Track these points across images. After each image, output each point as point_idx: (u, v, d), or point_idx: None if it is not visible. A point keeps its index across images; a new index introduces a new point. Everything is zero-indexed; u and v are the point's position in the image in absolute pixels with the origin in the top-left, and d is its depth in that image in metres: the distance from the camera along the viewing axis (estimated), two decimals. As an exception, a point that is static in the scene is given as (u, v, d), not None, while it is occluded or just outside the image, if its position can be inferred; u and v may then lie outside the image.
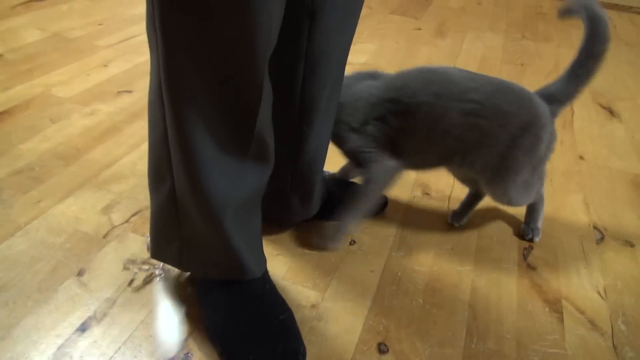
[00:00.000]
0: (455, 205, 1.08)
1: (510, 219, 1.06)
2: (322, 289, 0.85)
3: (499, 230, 1.03)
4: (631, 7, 2.68)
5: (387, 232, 0.99)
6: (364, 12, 2.27)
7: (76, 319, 0.75)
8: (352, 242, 0.96)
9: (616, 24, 2.43)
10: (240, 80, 0.55)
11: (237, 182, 0.63)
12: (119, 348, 0.71)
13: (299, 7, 0.64)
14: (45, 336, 0.72)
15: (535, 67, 1.83)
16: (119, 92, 1.40)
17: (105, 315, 0.75)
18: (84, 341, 0.72)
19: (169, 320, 0.76)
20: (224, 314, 0.73)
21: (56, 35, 1.72)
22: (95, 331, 0.73)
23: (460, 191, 1.13)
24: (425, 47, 1.94)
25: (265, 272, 0.78)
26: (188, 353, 0.72)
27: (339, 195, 0.97)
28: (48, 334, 0.72)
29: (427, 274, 0.90)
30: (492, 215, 1.07)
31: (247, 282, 0.75)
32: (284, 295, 0.78)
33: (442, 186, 1.15)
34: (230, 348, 0.70)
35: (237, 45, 0.51)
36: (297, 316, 0.78)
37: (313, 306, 0.82)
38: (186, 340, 0.73)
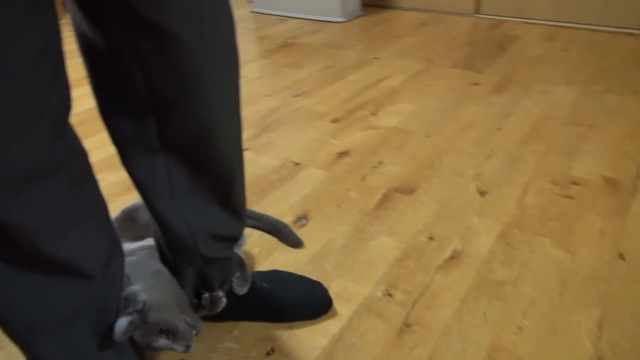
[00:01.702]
0: (421, 314, 0.90)
1: (478, 342, 0.85)
2: (208, 411, 0.75)
3: (458, 355, 0.83)
4: None
5: (316, 342, 0.86)
6: (418, 67, 2.13)
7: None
8: (271, 351, 0.84)
9: None
10: None
11: (36, 305, 0.58)
12: None
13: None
14: None
15: (605, 130, 1.53)
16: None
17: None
18: None
19: None
20: None
21: None
22: None
23: (433, 294, 0.95)
24: (474, 107, 1.73)
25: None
26: None
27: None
28: None
29: (338, 406, 0.75)
30: (461, 332, 0.87)
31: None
32: None
33: (413, 286, 0.97)
34: None
35: None
36: None
37: None
38: None
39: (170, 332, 0.72)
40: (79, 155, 0.57)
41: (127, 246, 0.84)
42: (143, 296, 0.70)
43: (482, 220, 1.15)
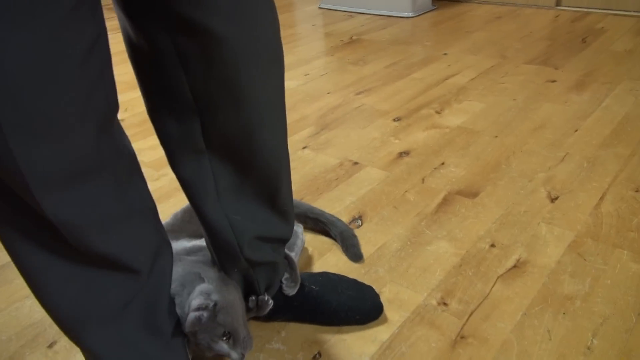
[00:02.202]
0: (477, 326, 0.85)
1: None
2: (251, 410, 0.75)
3: (517, 373, 0.77)
4: None
5: (365, 349, 0.83)
6: (490, 63, 2.02)
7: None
8: (318, 355, 0.83)
9: None
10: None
11: (87, 297, 0.60)
12: None
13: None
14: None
15: (702, 132, 1.37)
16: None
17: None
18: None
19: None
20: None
21: None
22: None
23: (492, 305, 0.89)
24: (549, 105, 1.62)
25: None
26: None
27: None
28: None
29: (383, 418, 0.72)
30: (521, 348, 0.81)
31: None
32: None
33: (470, 296, 0.92)
34: None
35: None
36: None
37: None
38: None
39: (231, 337, 0.73)
40: (126, 154, 0.58)
41: (187, 243, 0.86)
42: (215, 296, 0.72)
43: (552, 228, 1.07)
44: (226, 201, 0.71)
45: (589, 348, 0.80)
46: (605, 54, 2.01)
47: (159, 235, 0.68)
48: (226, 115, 0.62)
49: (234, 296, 0.78)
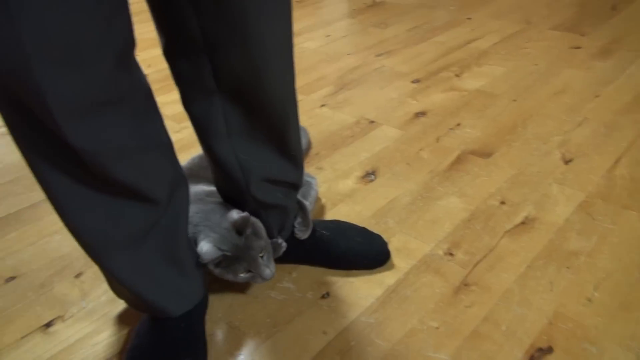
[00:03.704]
0: (481, 275, 0.88)
1: (540, 308, 0.81)
2: (261, 340, 0.80)
3: (517, 319, 0.80)
4: None
5: (371, 291, 0.87)
6: (514, 28, 1.99)
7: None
8: (326, 295, 0.87)
9: None
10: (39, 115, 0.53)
11: (109, 222, 0.64)
12: (61, 349, 0.80)
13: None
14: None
15: None
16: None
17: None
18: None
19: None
20: (138, 344, 0.76)
21: None
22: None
23: (497, 257, 0.92)
24: (571, 71, 1.60)
25: (191, 310, 0.77)
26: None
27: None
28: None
29: (384, 352, 0.76)
30: (523, 297, 0.84)
31: (165, 319, 0.76)
32: (219, 339, 0.77)
33: (477, 248, 0.94)
34: (129, 377, 0.73)
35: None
36: (216, 362, 0.76)
37: (240, 356, 0.78)
38: None
39: (250, 271, 0.78)
40: (143, 89, 0.61)
41: (207, 187, 0.90)
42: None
43: (563, 189, 1.08)
44: (236, 141, 0.74)
45: (589, 299, 0.82)
46: (634, 22, 1.96)
47: (176, 170, 0.72)
48: (234, 57, 0.64)
49: (258, 221, 0.83)
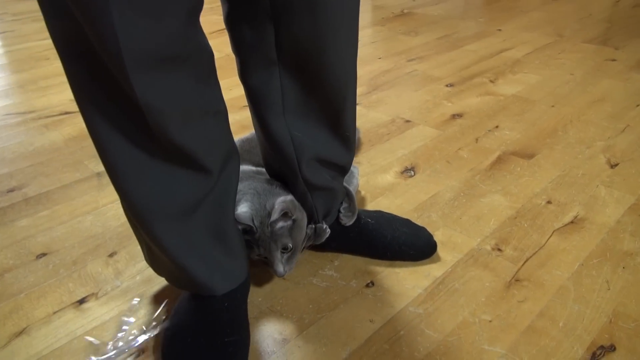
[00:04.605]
0: (533, 271, 0.85)
1: (599, 306, 0.77)
2: (305, 325, 0.76)
3: (574, 316, 0.76)
4: None
5: (418, 282, 0.83)
6: (546, 40, 1.97)
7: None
8: (370, 284, 0.83)
9: None
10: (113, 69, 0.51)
11: (162, 190, 0.62)
12: (95, 326, 0.77)
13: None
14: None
15: None
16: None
17: (104, 294, 0.83)
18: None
19: (147, 314, 0.79)
20: (178, 322, 0.72)
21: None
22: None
23: (548, 255, 0.88)
24: (608, 81, 1.57)
25: (235, 289, 0.74)
26: None
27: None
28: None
29: (436, 343, 0.72)
30: (579, 294, 0.80)
31: (208, 297, 0.72)
32: (261, 322, 0.74)
33: (525, 245, 0.91)
34: (168, 356, 0.69)
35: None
36: (260, 347, 0.72)
37: (284, 340, 0.74)
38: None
39: (288, 253, 0.77)
40: (207, 52, 0.59)
41: (253, 167, 0.88)
42: (296, 212, 0.77)
43: (611, 191, 1.04)
44: (291, 116, 0.72)
45: (649, 301, 0.78)
46: (669, 39, 1.94)
47: (230, 141, 0.69)
48: (301, 23, 0.62)
49: (305, 218, 0.79)
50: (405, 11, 2.48)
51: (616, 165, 1.13)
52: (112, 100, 0.55)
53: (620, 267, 0.85)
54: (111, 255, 0.92)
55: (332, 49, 0.67)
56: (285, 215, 0.74)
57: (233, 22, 0.67)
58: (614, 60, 1.75)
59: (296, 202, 0.78)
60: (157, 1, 0.49)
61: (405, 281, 0.84)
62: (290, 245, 0.75)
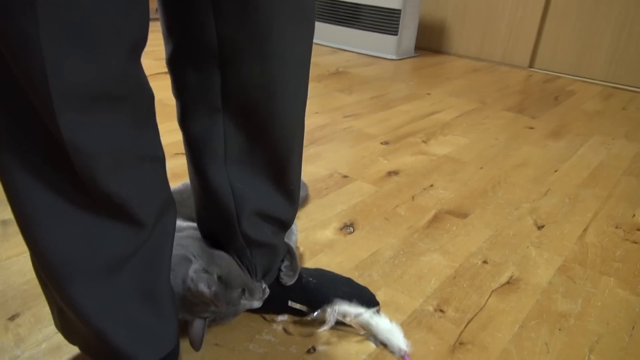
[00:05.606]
0: (476, 334, 0.83)
1: (543, 368, 0.77)
2: (240, 399, 0.68)
3: (519, 380, 0.74)
4: None
5: (362, 348, 0.79)
6: (471, 106, 2.10)
7: None
8: (312, 350, 0.77)
9: None
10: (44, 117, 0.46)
11: (84, 244, 0.54)
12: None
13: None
14: None
15: (670, 183, 1.45)
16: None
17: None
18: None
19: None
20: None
21: None
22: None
23: (488, 316, 0.87)
24: (529, 147, 1.68)
25: (162, 359, 0.65)
26: None
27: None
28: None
29: (383, 415, 0.67)
30: (521, 357, 0.79)
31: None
32: None
33: (466, 305, 0.90)
34: None
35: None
36: None
37: (216, 417, 0.65)
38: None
39: (246, 290, 0.72)
40: (147, 93, 0.55)
41: (181, 223, 0.81)
42: (212, 268, 0.70)
43: (541, 252, 1.08)
44: (233, 166, 0.67)
45: (585, 363, 0.79)
46: (576, 111, 2.13)
47: (167, 191, 0.63)
48: (250, 70, 0.59)
49: (226, 257, 0.73)
50: (340, 70, 2.56)
51: (542, 227, 1.18)
52: (31, 138, 0.48)
53: (556, 328, 0.86)
54: (12, 318, 0.79)
55: (280, 98, 0.64)
56: (211, 290, 0.68)
57: (176, 64, 0.63)
58: (531, 128, 1.89)
59: (202, 263, 0.71)
60: (95, 33, 0.44)
61: (349, 346, 0.79)
62: (242, 288, 0.72)
